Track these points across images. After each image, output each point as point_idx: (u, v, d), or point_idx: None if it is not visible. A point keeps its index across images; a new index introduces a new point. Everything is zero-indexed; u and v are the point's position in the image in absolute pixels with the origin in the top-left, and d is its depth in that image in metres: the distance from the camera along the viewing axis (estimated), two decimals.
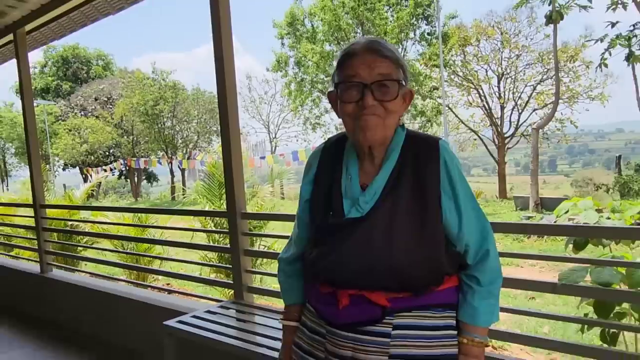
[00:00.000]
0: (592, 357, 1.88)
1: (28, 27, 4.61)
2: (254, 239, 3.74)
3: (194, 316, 2.74)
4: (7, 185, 34.96)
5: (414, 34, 21.72)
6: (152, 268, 5.14)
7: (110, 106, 31.05)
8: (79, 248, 6.28)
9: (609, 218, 2.53)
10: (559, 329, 4.69)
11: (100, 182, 28.50)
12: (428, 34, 21.70)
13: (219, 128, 3.08)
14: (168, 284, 6.65)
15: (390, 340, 1.20)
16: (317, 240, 1.32)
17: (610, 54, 16.64)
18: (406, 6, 20.94)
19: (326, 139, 1.46)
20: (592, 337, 3.50)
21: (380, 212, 1.22)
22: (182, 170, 30.64)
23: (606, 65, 17.08)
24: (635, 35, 16.09)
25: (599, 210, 2.59)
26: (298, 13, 23.46)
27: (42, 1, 4.19)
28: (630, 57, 16.21)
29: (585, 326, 2.21)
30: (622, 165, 21.47)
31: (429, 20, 21.34)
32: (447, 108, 20.68)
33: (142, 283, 5.08)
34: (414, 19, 20.97)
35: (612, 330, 2.21)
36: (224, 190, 5.52)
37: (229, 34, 2.95)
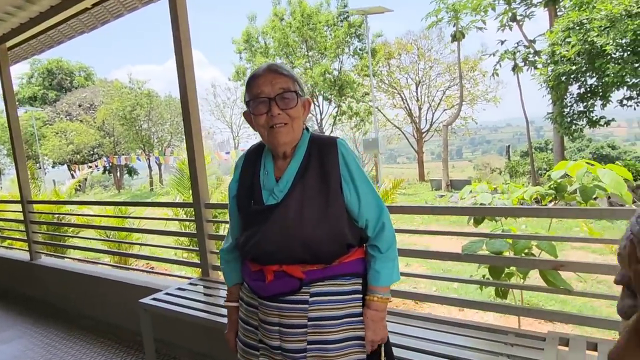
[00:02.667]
0: (488, 310, 1.94)
1: (9, 43, 4.22)
2: (219, 224, 3.63)
3: (166, 293, 2.62)
4: (1, 183, 32.48)
5: (349, 49, 21.68)
6: (129, 253, 4.90)
7: (93, 111, 29.34)
8: (66, 237, 5.90)
9: (500, 199, 2.62)
10: (463, 287, 4.81)
11: (86, 177, 27.00)
12: (360, 49, 21.73)
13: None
14: (148, 265, 6.38)
15: (309, 305, 1.24)
16: (244, 227, 1.33)
17: (500, 66, 17.35)
18: (341, 26, 20.86)
19: (250, 146, 1.47)
20: (490, 294, 3.66)
21: (292, 198, 1.24)
22: (159, 165, 29.52)
23: (497, 75, 17.81)
24: (519, 51, 16.84)
25: (494, 191, 2.68)
26: (253, 32, 22.86)
27: (22, 20, 3.85)
28: (515, 68, 16.95)
29: (483, 286, 2.28)
30: (510, 153, 22.58)
31: (360, 38, 21.36)
32: (376, 109, 20.90)
33: (124, 266, 4.83)
34: (348, 37, 20.94)
35: (502, 288, 2.29)
36: None
37: (189, 48, 2.80)
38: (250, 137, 32.29)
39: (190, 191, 5.37)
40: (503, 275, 2.12)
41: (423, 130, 24.61)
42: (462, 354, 1.67)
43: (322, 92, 21.43)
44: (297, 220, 1.22)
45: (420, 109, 24.55)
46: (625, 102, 11.91)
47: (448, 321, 1.93)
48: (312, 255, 1.24)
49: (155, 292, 2.71)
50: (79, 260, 4.62)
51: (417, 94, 24.35)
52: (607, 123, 12.72)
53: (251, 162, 1.39)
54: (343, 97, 21.38)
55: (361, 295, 1.31)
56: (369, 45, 19.22)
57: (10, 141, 4.39)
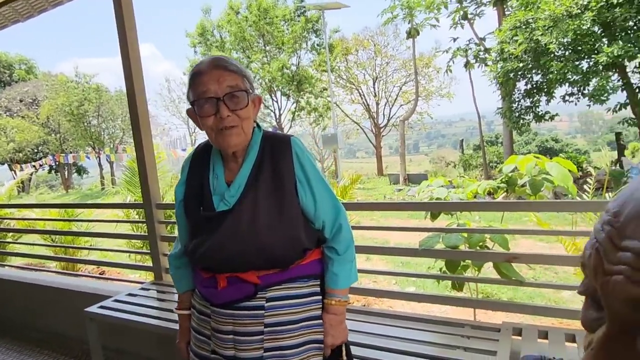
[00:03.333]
0: (445, 303, 1.96)
1: None
2: (173, 225, 3.47)
3: (115, 300, 2.47)
4: None
5: (306, 45, 21.61)
6: (76, 258, 4.59)
7: (36, 107, 27.48)
8: (5, 243, 5.47)
9: (455, 193, 2.66)
10: (423, 283, 4.90)
11: (30, 177, 25.32)
12: (317, 44, 21.69)
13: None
14: (99, 270, 6.05)
15: (265, 311, 1.18)
16: (193, 234, 1.24)
17: (453, 62, 17.93)
18: (299, 21, 20.73)
19: (197, 146, 1.37)
20: (448, 287, 3.73)
21: (245, 203, 1.18)
22: (111, 163, 28.19)
23: (451, 71, 18.43)
24: (470, 48, 17.46)
25: (449, 185, 2.73)
26: (207, 25, 22.24)
27: None
28: (466, 65, 17.56)
29: (440, 280, 2.32)
30: (464, 147, 23.44)
31: (318, 33, 21.32)
32: (335, 105, 21.01)
33: (72, 272, 4.55)
34: (306, 32, 20.85)
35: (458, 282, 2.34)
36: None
37: (134, 37, 2.64)
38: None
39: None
40: (459, 269, 2.16)
41: (381, 125, 25.04)
42: (421, 349, 1.67)
43: (280, 87, 21.24)
44: (251, 227, 1.16)
45: (377, 104, 24.96)
46: (567, 97, 12.64)
47: (406, 316, 1.94)
48: (267, 261, 1.18)
49: (104, 298, 2.55)
50: (21, 268, 4.30)
51: (374, 89, 24.74)
52: (552, 118, 13.47)
53: (199, 164, 1.29)
54: (301, 93, 21.30)
55: (320, 297, 1.27)
56: (327, 41, 19.25)
57: None
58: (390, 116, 25.12)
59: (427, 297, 1.96)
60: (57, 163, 25.89)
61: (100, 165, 28.67)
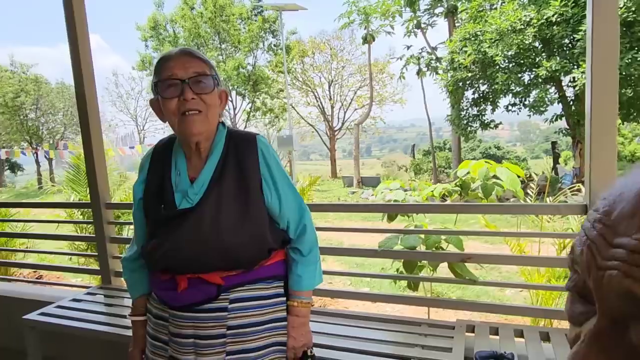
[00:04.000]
0: (402, 302, 2.01)
1: None
2: (122, 226, 3.29)
3: (57, 306, 2.30)
4: None
5: (263, 45, 21.46)
6: (9, 261, 4.24)
7: None
8: None
9: (412, 196, 2.75)
10: (377, 282, 4.98)
11: None
12: (274, 45, 21.61)
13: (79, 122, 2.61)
14: (36, 274, 5.63)
15: (228, 313, 1.16)
16: (152, 233, 1.19)
17: (406, 69, 18.50)
18: (256, 21, 20.54)
19: (157, 142, 1.31)
20: (403, 287, 3.82)
21: (208, 201, 1.14)
22: (50, 160, 26.38)
23: (404, 78, 18.99)
24: (423, 56, 18.11)
25: (405, 188, 2.81)
26: (160, 19, 21.48)
27: None
28: (419, 72, 18.20)
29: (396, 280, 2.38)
30: (415, 152, 24.22)
31: (275, 34, 21.25)
32: (290, 106, 20.99)
33: (4, 277, 4.19)
34: (263, 32, 20.70)
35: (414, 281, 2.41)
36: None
37: (84, 27, 2.48)
38: (158, 131, 30.33)
39: (87, 190, 4.87)
40: (415, 269, 2.22)
41: (335, 129, 25.31)
42: (380, 348, 1.70)
43: (235, 87, 20.93)
44: (214, 226, 1.13)
45: (332, 107, 25.21)
46: (510, 107, 13.44)
47: (364, 316, 1.96)
48: (230, 262, 1.15)
49: (44, 305, 2.37)
50: None
51: (329, 92, 24.97)
52: (496, 126, 14.28)
53: (159, 160, 1.24)
54: (257, 93, 21.11)
55: (285, 299, 1.26)
56: (284, 42, 19.21)
57: None
58: (345, 120, 25.49)
59: (384, 297, 2.00)
60: None
61: (37, 162, 26.81)
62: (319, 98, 25.00)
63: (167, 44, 21.00)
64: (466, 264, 2.01)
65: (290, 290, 1.26)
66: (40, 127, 25.80)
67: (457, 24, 15.89)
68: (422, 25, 17.63)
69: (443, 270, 2.34)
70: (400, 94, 25.07)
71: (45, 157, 24.50)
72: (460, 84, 13.05)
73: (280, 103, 22.19)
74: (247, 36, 20.33)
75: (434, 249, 2.06)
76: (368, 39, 19.09)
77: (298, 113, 25.60)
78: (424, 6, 16.94)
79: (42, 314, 2.20)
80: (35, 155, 23.84)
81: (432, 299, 2.00)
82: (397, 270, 2.39)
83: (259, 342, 1.18)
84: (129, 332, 1.96)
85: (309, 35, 37.38)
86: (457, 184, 2.41)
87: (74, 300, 2.40)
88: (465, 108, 14.03)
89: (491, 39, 11.78)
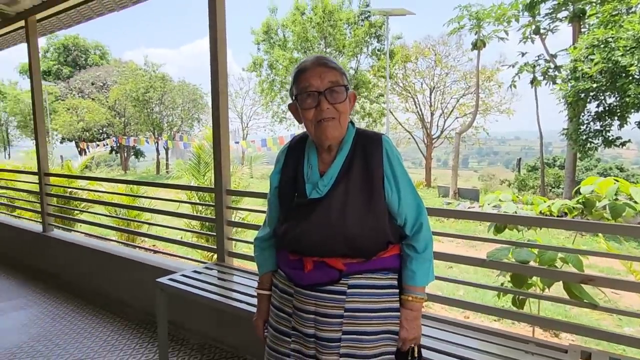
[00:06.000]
0: (504, 317, 1.94)
1: (39, 15, 4.23)
2: (232, 211, 3.63)
3: (182, 275, 2.64)
4: (9, 154, 32.64)
5: (367, 50, 21.66)
6: (143, 232, 4.91)
7: (105, 91, 29.44)
8: (76, 212, 5.94)
9: (522, 209, 2.61)
10: (470, 292, 4.83)
11: (93, 155, 27.13)
12: (378, 50, 21.69)
13: (209, 115, 2.95)
14: (154, 246, 6.41)
15: (346, 297, 1.25)
16: (285, 218, 1.33)
17: (519, 78, 17.27)
18: (362, 26, 20.82)
19: (292, 137, 1.47)
20: (502, 301, 3.65)
21: (336, 193, 1.25)
22: (166, 150, 29.59)
23: (515, 87, 17.74)
24: (539, 64, 16.75)
25: (516, 201, 2.67)
26: (273, 24, 22.88)
27: None
28: (533, 81, 16.86)
29: (502, 293, 2.28)
30: (520, 166, 22.48)
31: (380, 38, 21.33)
32: (389, 112, 20.88)
33: (131, 244, 4.86)
34: (368, 36, 20.91)
35: (521, 297, 2.29)
36: (207, 169, 5.37)
37: (224, 34, 2.81)
38: (260, 129, 32.33)
39: (204, 177, 5.43)
40: (524, 285, 2.12)
41: (434, 137, 24.52)
42: (483, 358, 1.67)
43: None
44: (340, 215, 1.23)
45: (432, 114, 24.46)
46: None
47: (470, 326, 1.93)
48: (352, 250, 1.24)
49: (168, 273, 2.73)
50: (87, 234, 4.65)
51: (430, 99, 24.27)
52: (623, 144, 12.66)
53: (294, 154, 1.39)
54: (357, 97, 21.36)
55: (397, 290, 1.32)
56: (388, 47, 19.17)
57: (32, 112, 4.41)
58: (444, 128, 24.55)
59: (486, 308, 1.95)
60: (118, 145, 27.59)
61: (157, 150, 30.16)
62: (419, 104, 24.45)
63: (277, 47, 22.27)
64: (584, 286, 1.87)
65: (404, 284, 1.31)
66: (162, 120, 29.04)
67: (583, 30, 14.43)
68: (541, 31, 16.30)
69: (556, 291, 2.20)
70: (508, 104, 23.45)
71: (164, 147, 27.52)
72: (582, 95, 11.80)
73: (378, 108, 22.18)
74: (352, 41, 20.69)
75: (547, 266, 1.95)
76: (478, 45, 18.20)
77: (396, 118, 25.32)
78: (545, 10, 15.66)
79: (171, 279, 2.54)
80: (156, 144, 26.92)
81: (546, 318, 1.89)
82: (502, 284, 2.30)
83: (373, 327, 1.26)
84: (236, 304, 2.20)
85: (413, 40, 36.67)
86: (580, 200, 2.24)
87: (195, 272, 2.72)
88: (585, 122, 12.67)
89: (625, 46, 10.48)
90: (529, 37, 16.50)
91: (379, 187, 1.25)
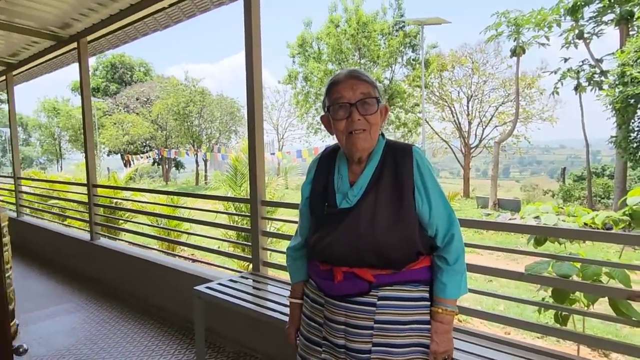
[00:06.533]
0: (546, 333, 1.86)
1: (89, 37, 4.53)
2: (267, 221, 3.70)
3: (219, 283, 2.71)
4: (61, 167, 34.73)
5: (402, 59, 21.58)
6: (182, 241, 5.09)
7: (149, 105, 30.81)
8: (120, 221, 6.23)
9: (564, 220, 2.51)
10: (512, 308, 4.66)
11: (137, 167, 28.37)
12: (413, 59, 21.55)
13: (246, 127, 3.04)
14: (192, 255, 6.61)
15: (376, 308, 1.24)
16: (316, 228, 1.35)
17: (562, 84, 16.62)
18: (397, 36, 20.79)
19: (323, 149, 1.49)
20: (546, 318, 3.49)
21: (365, 203, 1.26)
22: (205, 161, 30.49)
23: (558, 93, 17.07)
24: (583, 70, 16.06)
25: (558, 213, 2.57)
26: (307, 37, 23.27)
27: (102, 16, 4.12)
28: (578, 88, 16.17)
29: (543, 308, 2.19)
30: (565, 176, 21.50)
31: (414, 48, 21.20)
32: (424, 121, 20.61)
33: (171, 253, 5.04)
34: (402, 46, 20.84)
35: (563, 313, 2.19)
36: (243, 180, 5.51)
37: (259, 50, 2.90)
38: (295, 140, 32.76)
39: (241, 187, 5.57)
40: (566, 301, 2.03)
41: (472, 146, 23.93)
42: None
43: None
44: (369, 225, 1.24)
45: (470, 123, 23.91)
46: None
47: (503, 340, 1.87)
48: (382, 260, 1.25)
49: (206, 281, 2.81)
50: (130, 243, 4.85)
51: (468, 108, 23.75)
52: None
53: (325, 165, 1.41)
54: (392, 107, 21.24)
55: (428, 303, 1.31)
56: (423, 56, 19.00)
57: (82, 127, 4.70)
58: (483, 137, 23.91)
59: (527, 324, 1.87)
60: (160, 157, 28.72)
61: (197, 162, 31.14)
62: (456, 113, 23.99)
63: (311, 60, 22.59)
64: (632, 302, 1.77)
65: (435, 296, 1.30)
66: (201, 133, 30.02)
67: (631, 32, 13.75)
68: (585, 35, 15.66)
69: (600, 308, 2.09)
70: (550, 111, 22.57)
71: (203, 158, 28.39)
72: (632, 101, 11.20)
73: (414, 117, 21.94)
74: (387, 51, 20.67)
75: (591, 281, 1.87)
76: (517, 52, 17.70)
77: (432, 128, 24.94)
78: (589, 14, 15.04)
79: (208, 287, 2.62)
80: (195, 156, 27.83)
81: (592, 337, 1.79)
82: (543, 299, 2.21)
83: (404, 340, 1.25)
84: (271, 313, 2.23)
85: (449, 48, 36.15)
86: (626, 212, 2.13)
87: (231, 280, 2.79)
88: (636, 129, 12.00)
89: None
90: (572, 42, 15.87)
91: (409, 198, 1.25)
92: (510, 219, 12.28)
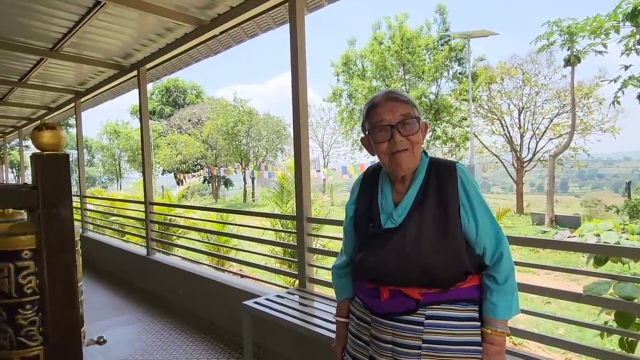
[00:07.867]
0: None
1: (148, 65, 4.87)
2: (313, 238, 3.75)
3: (267, 299, 2.77)
4: (120, 186, 36.98)
5: (448, 73, 21.24)
6: (232, 257, 5.25)
7: (200, 126, 32.29)
8: (173, 237, 6.53)
9: (627, 239, 2.35)
10: (573, 332, 4.37)
11: (189, 185, 29.65)
12: (459, 73, 21.15)
13: (292, 145, 3.12)
14: (241, 270, 6.78)
15: (424, 328, 1.23)
16: (360, 247, 1.36)
17: (623, 93, 15.63)
18: (442, 50, 20.55)
19: (365, 169, 1.50)
20: (611, 343, 3.26)
21: (410, 222, 1.26)
22: (252, 179, 31.32)
23: (619, 103, 16.04)
24: None
25: (620, 230, 2.42)
26: (352, 55, 23.55)
27: (160, 45, 4.43)
28: None
29: (605, 333, 2.06)
30: (631, 190, 20.00)
31: (461, 62, 20.83)
32: (473, 135, 20.04)
33: (221, 268, 5.20)
34: (448, 60, 20.55)
35: (630, 339, 2.04)
36: (289, 197, 5.63)
37: (304, 67, 2.99)
38: (340, 157, 32.92)
39: (287, 204, 5.69)
40: (631, 325, 1.89)
41: (524, 160, 22.90)
42: None
43: None
44: (415, 245, 1.23)
45: (522, 136, 22.93)
46: None
47: None
48: (429, 280, 1.23)
49: (254, 296, 2.88)
50: (183, 258, 5.07)
51: (519, 120, 22.82)
52: None
53: (368, 185, 1.42)
54: (438, 122, 20.88)
55: (478, 323, 1.27)
56: (470, 69, 18.62)
57: (141, 148, 5.03)
58: (537, 150, 22.81)
59: (591, 349, 1.76)
60: (210, 175, 29.87)
61: (244, 180, 32.06)
62: (506, 126, 23.11)
63: (355, 77, 22.78)
64: None
65: (485, 317, 1.27)
66: (249, 151, 30.97)
67: None
68: None
69: None
70: (611, 122, 21.18)
71: (250, 176, 29.19)
72: None
73: (461, 132, 21.41)
74: (432, 66, 20.46)
75: None
76: (572, 61, 16.88)
77: (481, 142, 24.14)
78: None
79: (256, 302, 2.68)
80: (243, 174, 28.67)
81: None
82: (606, 323, 2.07)
83: None
84: (319, 330, 2.25)
85: (498, 60, 35.13)
86: None
87: (278, 296, 2.84)
88: None
89: None
90: (633, 48, 14.92)
91: (454, 216, 1.24)
92: (569, 237, 11.56)
